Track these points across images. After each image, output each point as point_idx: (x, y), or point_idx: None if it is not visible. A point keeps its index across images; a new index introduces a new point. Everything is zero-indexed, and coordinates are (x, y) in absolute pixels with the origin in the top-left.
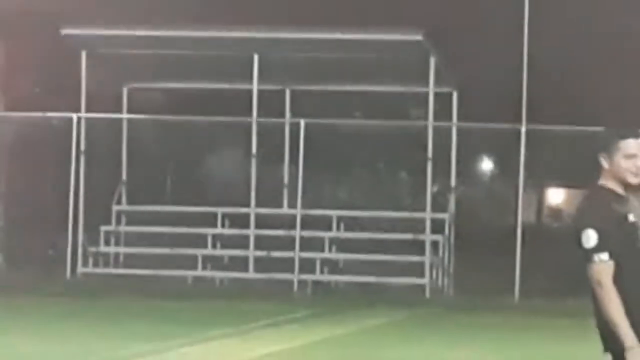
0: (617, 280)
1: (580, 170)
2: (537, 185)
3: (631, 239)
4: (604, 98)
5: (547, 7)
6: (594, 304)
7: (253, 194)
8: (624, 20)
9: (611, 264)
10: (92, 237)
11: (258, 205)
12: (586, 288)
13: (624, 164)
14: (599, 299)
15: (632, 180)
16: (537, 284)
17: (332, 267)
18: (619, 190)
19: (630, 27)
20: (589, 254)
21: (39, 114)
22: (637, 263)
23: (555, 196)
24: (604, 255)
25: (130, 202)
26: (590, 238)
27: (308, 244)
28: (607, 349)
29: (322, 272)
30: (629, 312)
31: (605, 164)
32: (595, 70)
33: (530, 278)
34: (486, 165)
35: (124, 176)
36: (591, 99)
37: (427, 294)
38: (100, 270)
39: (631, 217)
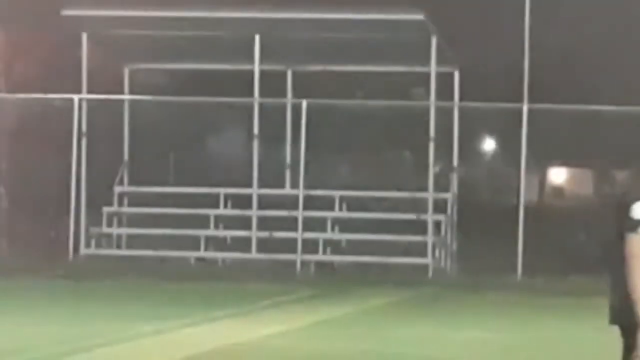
0: None
1: (582, 149)
2: (539, 165)
3: None
4: (606, 77)
5: None
6: (611, 276)
7: (255, 174)
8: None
9: None
10: (94, 218)
11: (260, 185)
12: (588, 266)
13: None
14: (630, 270)
15: None
16: (540, 263)
17: (335, 247)
18: None
19: (632, 6)
20: (637, 225)
21: (41, 96)
22: None
23: (558, 175)
24: None
25: (132, 183)
26: None
27: (310, 225)
28: (613, 321)
29: (324, 252)
30: None
31: None
32: (597, 49)
33: (532, 257)
34: (488, 144)
35: (125, 157)
36: (593, 78)
37: (430, 274)
38: (102, 251)
39: None
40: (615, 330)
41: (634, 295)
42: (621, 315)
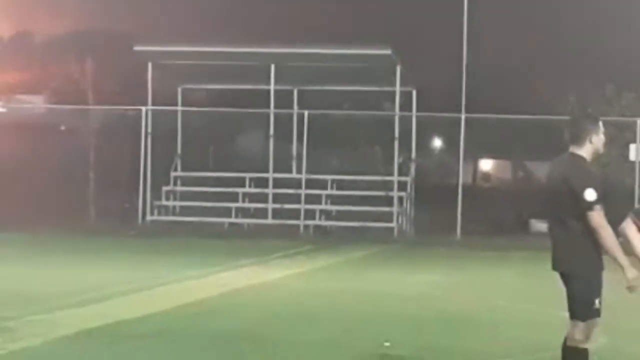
0: (588, 224)
1: (503, 146)
2: (473, 157)
3: (602, 197)
4: (520, 95)
5: (480, 29)
6: (560, 237)
7: (271, 163)
8: (536, 38)
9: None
10: (156, 194)
11: (275, 171)
12: (507, 229)
13: (602, 139)
14: (601, 236)
15: (602, 151)
16: (473, 226)
17: (328, 215)
18: (589, 158)
19: (540, 44)
20: (592, 205)
21: (118, 107)
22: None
23: (486, 165)
24: (600, 207)
25: (183, 169)
26: (592, 194)
27: (310, 199)
28: (556, 268)
29: (320, 219)
30: (597, 246)
31: (589, 141)
32: (515, 75)
33: (468, 222)
34: (437, 142)
35: (179, 151)
36: (511, 95)
37: (395, 234)
38: (162, 218)
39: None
40: (534, 274)
41: (612, 250)
42: (557, 264)
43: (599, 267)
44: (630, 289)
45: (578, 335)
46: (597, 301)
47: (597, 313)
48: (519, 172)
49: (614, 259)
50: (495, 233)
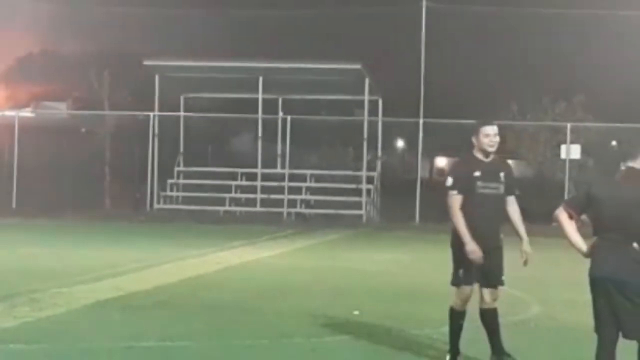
0: (464, 208)
1: (454, 146)
2: (430, 155)
3: (473, 186)
4: (469, 103)
5: (436, 48)
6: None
7: (259, 160)
8: (484, 56)
9: (459, 197)
10: (162, 186)
11: (262, 167)
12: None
13: (484, 140)
14: (452, 216)
15: (490, 150)
16: (429, 213)
17: (307, 204)
18: (480, 156)
19: (487, 61)
20: (447, 189)
21: (130, 112)
22: (475, 199)
23: (440, 162)
24: (455, 192)
25: (185, 165)
26: (449, 181)
27: (292, 190)
28: (451, 246)
29: (301, 207)
30: (469, 226)
31: (474, 141)
32: (465, 87)
33: (425, 210)
34: (399, 143)
35: (181, 150)
36: (462, 103)
37: (364, 220)
38: (167, 206)
39: (476, 173)
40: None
41: (459, 230)
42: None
43: (462, 244)
44: (472, 260)
45: (455, 297)
46: (460, 271)
47: (462, 281)
48: None
49: (461, 235)
50: (448, 219)
